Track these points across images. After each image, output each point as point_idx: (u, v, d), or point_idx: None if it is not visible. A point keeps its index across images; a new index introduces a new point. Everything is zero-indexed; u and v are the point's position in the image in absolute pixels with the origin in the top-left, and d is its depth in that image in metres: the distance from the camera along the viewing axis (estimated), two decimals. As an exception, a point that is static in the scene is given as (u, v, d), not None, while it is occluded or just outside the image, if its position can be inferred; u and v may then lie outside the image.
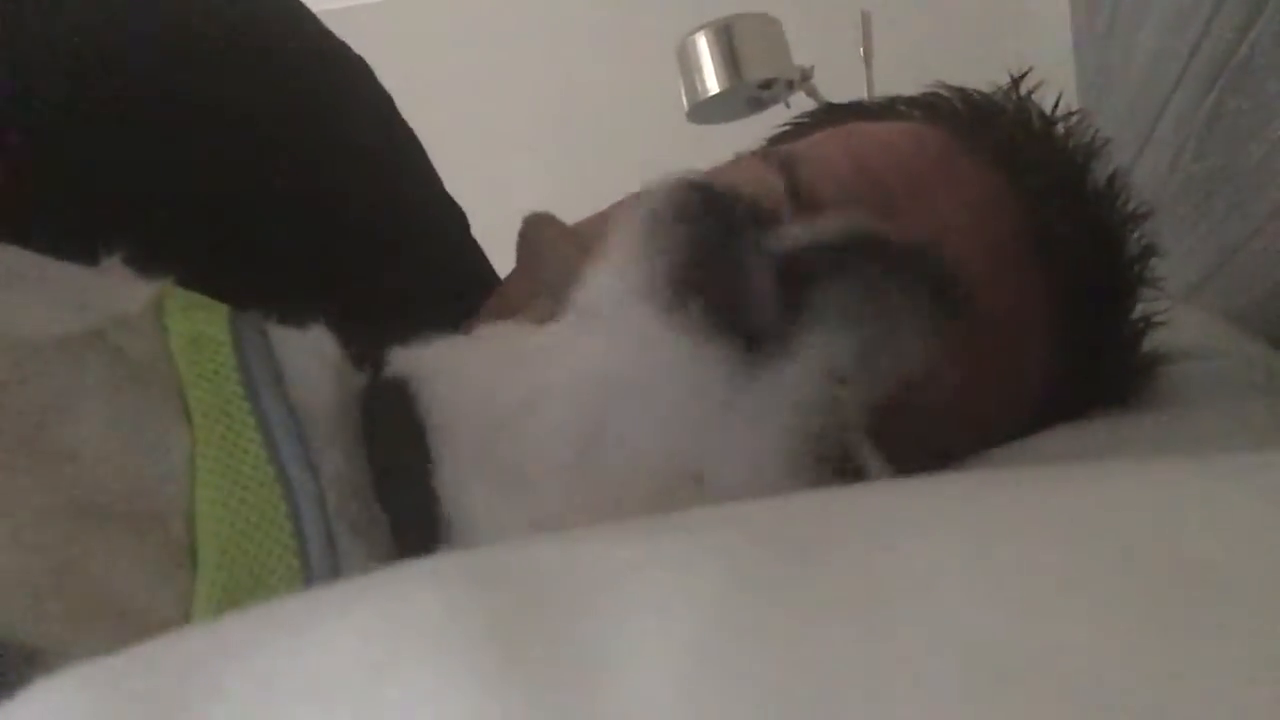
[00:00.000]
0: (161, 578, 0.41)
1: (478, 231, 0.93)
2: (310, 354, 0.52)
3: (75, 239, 0.49)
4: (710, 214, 0.53)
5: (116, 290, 0.49)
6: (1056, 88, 0.86)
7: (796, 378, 0.50)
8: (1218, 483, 0.32)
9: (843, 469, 0.50)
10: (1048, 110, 0.82)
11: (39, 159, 0.63)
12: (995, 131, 0.78)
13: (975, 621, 0.24)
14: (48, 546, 0.39)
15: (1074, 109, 0.83)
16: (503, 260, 0.82)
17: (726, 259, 0.52)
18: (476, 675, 0.24)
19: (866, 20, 2.35)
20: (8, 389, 0.41)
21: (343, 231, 0.73)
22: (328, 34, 0.80)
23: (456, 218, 0.91)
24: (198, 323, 0.49)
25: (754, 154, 0.80)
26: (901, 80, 0.98)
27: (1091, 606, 0.24)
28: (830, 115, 0.92)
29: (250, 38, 0.74)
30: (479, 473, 0.49)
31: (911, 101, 0.85)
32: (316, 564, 0.45)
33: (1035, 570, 0.26)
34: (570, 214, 0.79)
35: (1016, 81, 0.83)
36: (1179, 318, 0.90)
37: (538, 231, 0.70)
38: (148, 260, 0.50)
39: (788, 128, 0.92)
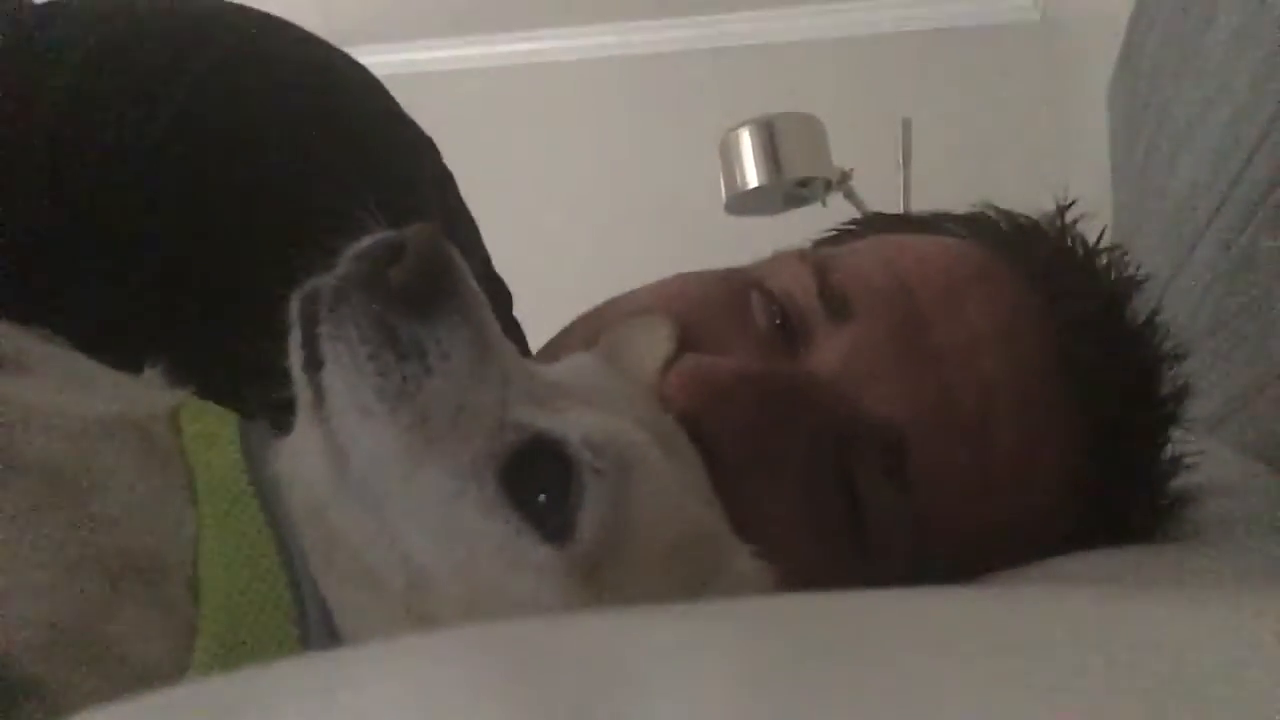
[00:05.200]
0: (167, 632, 0.47)
1: (519, 311, 0.94)
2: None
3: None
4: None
5: (150, 393, 0.58)
6: (1091, 205, 0.86)
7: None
8: (1222, 610, 0.34)
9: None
10: (1090, 239, 0.82)
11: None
12: (1036, 254, 0.78)
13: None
14: (79, 596, 0.46)
15: (1116, 245, 0.83)
16: (540, 340, 0.84)
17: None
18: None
19: (907, 127, 2.39)
20: (69, 464, 0.50)
21: None
22: (401, 111, 0.83)
23: (503, 295, 0.93)
24: (209, 424, 0.56)
25: (792, 253, 0.81)
26: (937, 187, 1.00)
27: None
28: (875, 224, 0.93)
29: (331, 108, 0.77)
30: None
31: (957, 218, 0.85)
32: (314, 628, 0.49)
33: (1044, 681, 0.27)
34: (608, 294, 0.83)
35: (1063, 210, 0.83)
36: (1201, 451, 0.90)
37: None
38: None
39: (833, 232, 0.93)
